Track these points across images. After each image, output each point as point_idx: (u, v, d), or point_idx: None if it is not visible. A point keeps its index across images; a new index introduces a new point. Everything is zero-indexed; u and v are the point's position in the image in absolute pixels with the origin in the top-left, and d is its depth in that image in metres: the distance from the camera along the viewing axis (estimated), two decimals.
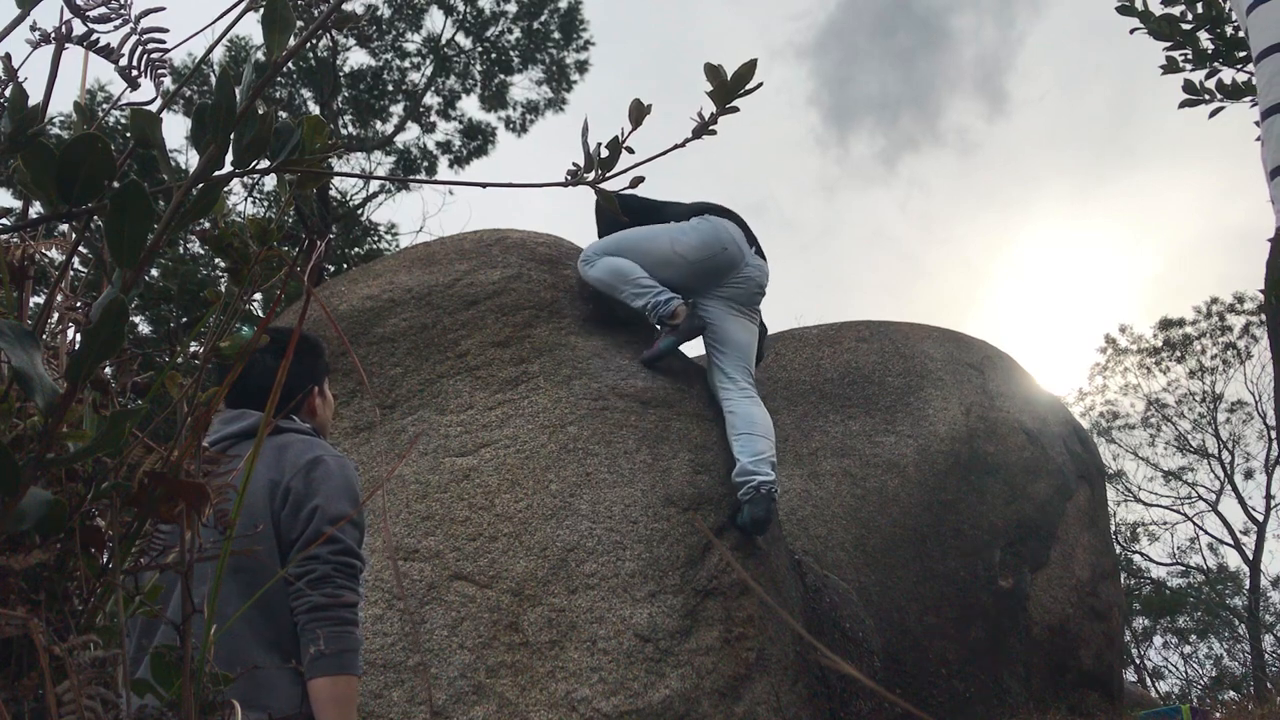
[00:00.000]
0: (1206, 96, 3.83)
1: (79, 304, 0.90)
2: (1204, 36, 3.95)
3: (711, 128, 0.83)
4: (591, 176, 0.84)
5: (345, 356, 3.63)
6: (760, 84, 0.81)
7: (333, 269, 12.88)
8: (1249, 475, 18.70)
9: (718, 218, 3.69)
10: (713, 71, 0.81)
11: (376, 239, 14.41)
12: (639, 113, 0.84)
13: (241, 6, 0.83)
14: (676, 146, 0.83)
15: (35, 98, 0.77)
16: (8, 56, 0.81)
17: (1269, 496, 18.05)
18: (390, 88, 14.26)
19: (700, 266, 3.62)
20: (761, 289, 3.75)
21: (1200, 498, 19.27)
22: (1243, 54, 3.88)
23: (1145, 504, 19.71)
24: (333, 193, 13.71)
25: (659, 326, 3.62)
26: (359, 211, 14.50)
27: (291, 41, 0.74)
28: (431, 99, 14.43)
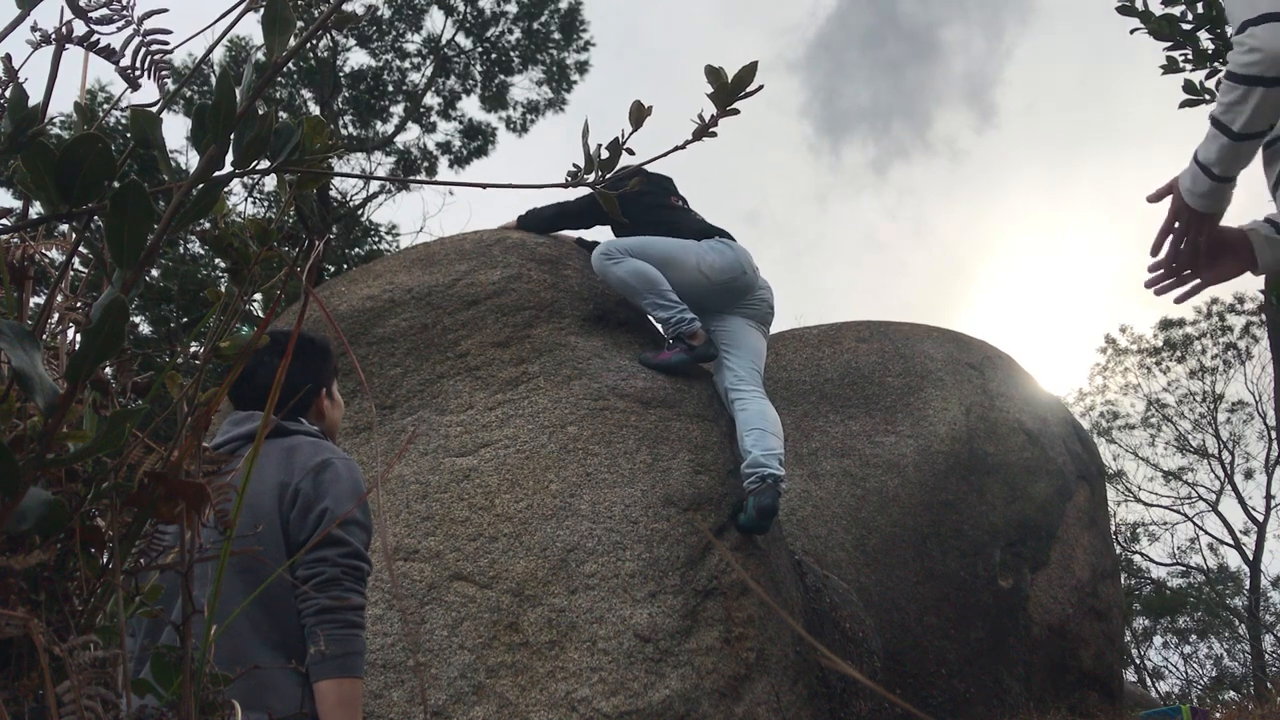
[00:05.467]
0: (1206, 96, 3.82)
1: (79, 304, 0.90)
2: (1204, 36, 3.94)
3: (712, 129, 0.83)
4: (592, 177, 0.84)
5: (345, 356, 3.63)
6: (760, 86, 0.81)
7: (333, 269, 12.88)
8: (1249, 475, 18.69)
9: (732, 241, 3.83)
10: (713, 73, 0.81)
11: (377, 239, 14.41)
12: (639, 114, 0.84)
13: (241, 7, 0.83)
14: (678, 148, 0.83)
15: (35, 98, 0.77)
16: (8, 57, 0.81)
17: (1269, 496, 18.05)
18: (390, 88, 14.26)
19: (722, 287, 3.74)
20: (772, 308, 3.94)
21: (1200, 498, 19.27)
22: None
23: (1145, 504, 19.71)
24: (333, 193, 13.71)
25: (672, 341, 3.67)
26: (359, 212, 14.50)
27: (291, 42, 0.74)
28: (432, 99, 14.43)
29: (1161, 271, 1.84)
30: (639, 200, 3.91)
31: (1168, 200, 1.77)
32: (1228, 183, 1.65)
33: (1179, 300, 1.87)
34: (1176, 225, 1.78)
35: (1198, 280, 1.83)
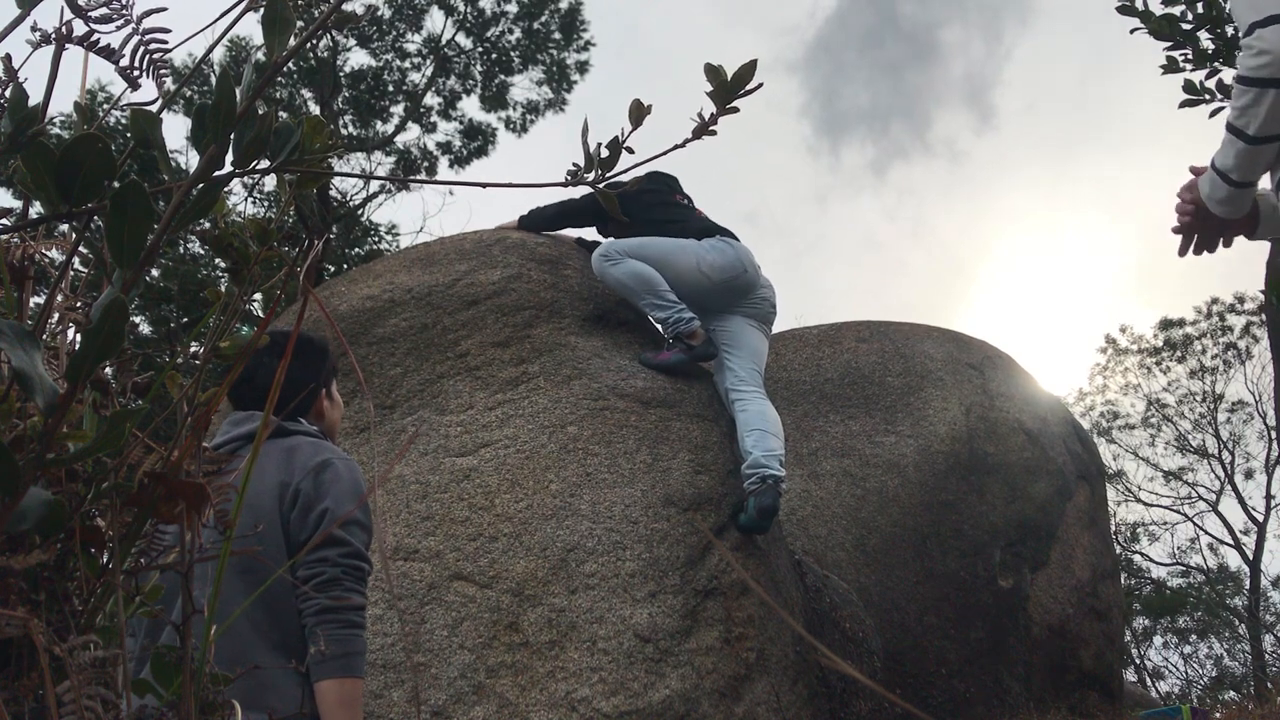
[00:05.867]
0: (1206, 96, 3.82)
1: (79, 304, 0.90)
2: (1204, 36, 3.94)
3: (712, 128, 0.83)
4: (591, 176, 0.84)
5: (345, 356, 3.64)
6: (760, 84, 0.81)
7: (333, 269, 12.89)
8: (1249, 475, 18.68)
9: (734, 240, 3.81)
10: (713, 72, 0.81)
11: (377, 239, 14.41)
12: (639, 113, 0.84)
13: (241, 6, 0.83)
14: (677, 146, 0.83)
15: (35, 98, 0.77)
16: (8, 57, 0.81)
17: (1269, 496, 18.03)
18: (390, 88, 14.26)
19: (723, 286, 3.73)
20: (774, 307, 3.92)
21: (1200, 498, 19.26)
22: None
23: (1145, 504, 19.70)
24: (333, 193, 13.71)
25: (671, 341, 3.67)
26: (359, 212, 14.50)
27: (291, 42, 0.74)
28: (432, 99, 14.43)
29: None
30: (639, 198, 3.90)
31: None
32: (1247, 188, 1.63)
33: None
34: (1198, 234, 1.78)
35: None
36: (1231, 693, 15.49)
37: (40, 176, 0.67)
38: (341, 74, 13.82)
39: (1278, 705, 5.36)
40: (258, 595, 1.62)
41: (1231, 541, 18.56)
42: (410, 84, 14.29)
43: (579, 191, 4.03)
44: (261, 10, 0.74)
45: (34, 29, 0.83)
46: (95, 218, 0.70)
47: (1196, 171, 1.79)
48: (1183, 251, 1.86)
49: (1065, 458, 5.62)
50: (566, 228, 4.23)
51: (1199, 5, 3.91)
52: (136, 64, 0.82)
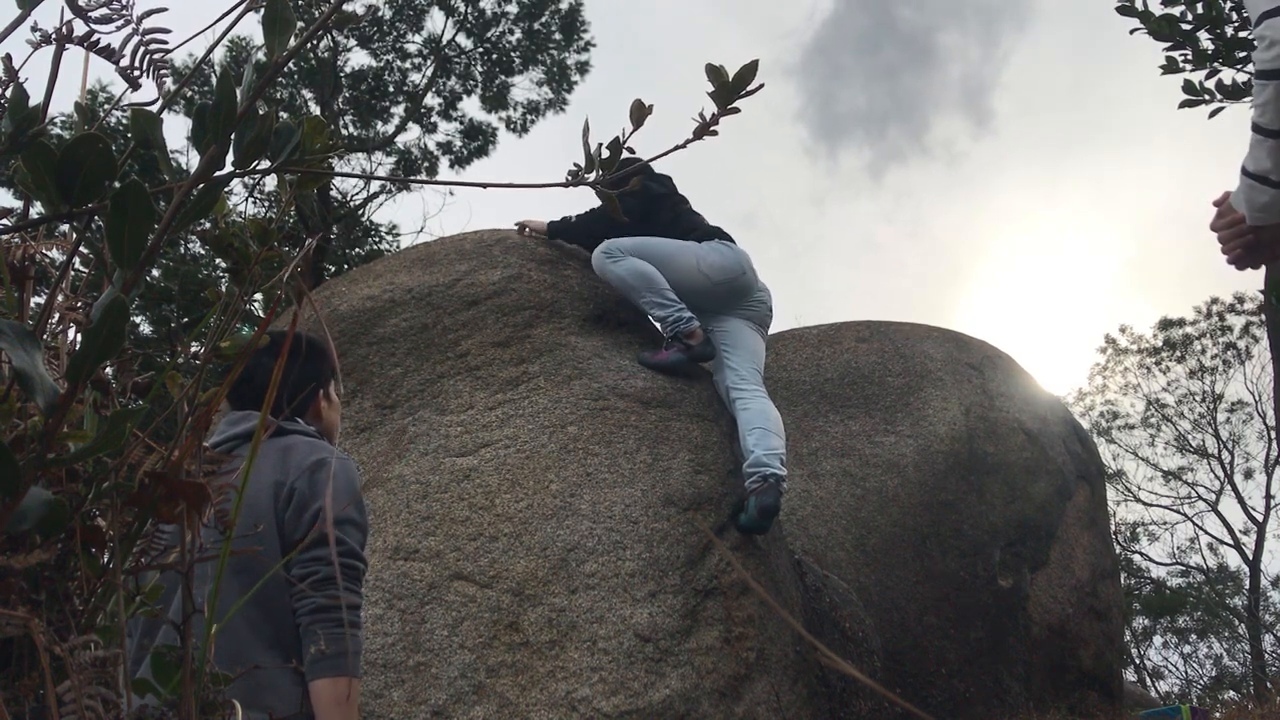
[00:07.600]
0: (1206, 97, 3.82)
1: (79, 304, 0.91)
2: (1204, 36, 3.95)
3: (713, 128, 0.83)
4: (592, 177, 0.84)
5: (343, 357, 3.64)
6: (761, 85, 0.81)
7: (333, 269, 12.89)
8: (1249, 475, 18.70)
9: (733, 243, 3.84)
10: (714, 72, 0.81)
11: (377, 239, 14.42)
12: (640, 113, 0.84)
13: (242, 7, 0.83)
14: (678, 147, 0.83)
15: (36, 98, 0.77)
16: (8, 57, 0.81)
17: (1269, 496, 18.05)
18: (391, 88, 14.26)
19: (721, 287, 3.75)
20: (771, 310, 3.95)
21: (1200, 498, 19.27)
22: (1243, 54, 3.87)
23: (1145, 504, 19.71)
24: (333, 193, 13.71)
25: (670, 340, 3.66)
26: (360, 212, 14.50)
27: (292, 42, 0.74)
28: (432, 100, 14.44)
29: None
30: (654, 198, 3.90)
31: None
32: None
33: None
34: (1255, 251, 1.64)
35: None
36: (1231, 692, 15.50)
37: (41, 176, 0.67)
38: (342, 74, 13.82)
39: (1277, 705, 5.36)
40: (252, 594, 1.62)
41: (1231, 541, 18.59)
42: (411, 84, 14.30)
43: (587, 194, 4.01)
44: (262, 10, 0.74)
45: (34, 29, 0.83)
46: (96, 218, 0.70)
47: (1219, 203, 1.70)
48: (1243, 268, 1.73)
49: (1065, 458, 5.62)
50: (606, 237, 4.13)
51: (1199, 5, 3.91)
52: (137, 64, 0.82)
